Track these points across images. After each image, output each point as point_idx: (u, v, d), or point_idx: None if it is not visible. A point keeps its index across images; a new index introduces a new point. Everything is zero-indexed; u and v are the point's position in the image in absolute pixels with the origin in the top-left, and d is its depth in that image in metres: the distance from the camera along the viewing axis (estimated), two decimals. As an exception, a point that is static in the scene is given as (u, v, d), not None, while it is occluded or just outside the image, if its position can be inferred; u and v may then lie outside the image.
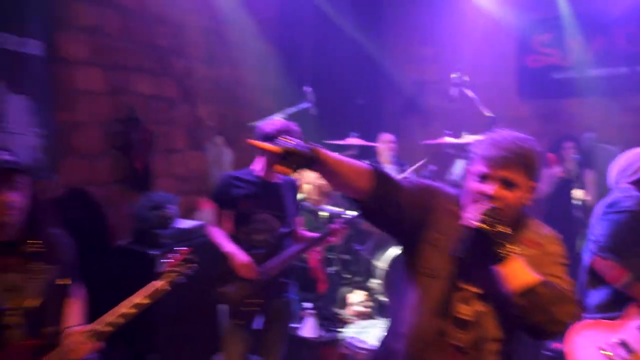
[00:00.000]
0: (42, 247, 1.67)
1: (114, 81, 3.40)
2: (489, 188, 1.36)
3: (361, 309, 3.13)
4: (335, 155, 1.36)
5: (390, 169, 4.21)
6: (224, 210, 2.49)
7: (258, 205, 2.43)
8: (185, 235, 3.14)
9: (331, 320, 3.12)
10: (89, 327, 1.65)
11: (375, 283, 3.28)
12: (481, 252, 1.29)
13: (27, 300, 1.60)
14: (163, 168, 3.78)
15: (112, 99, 3.38)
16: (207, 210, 3.83)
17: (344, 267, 3.48)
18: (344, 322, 3.08)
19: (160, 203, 3.12)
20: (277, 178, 2.50)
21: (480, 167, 1.39)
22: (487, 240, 1.27)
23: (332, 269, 3.43)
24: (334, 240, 2.62)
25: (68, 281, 1.75)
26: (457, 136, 3.92)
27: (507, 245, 1.27)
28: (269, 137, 2.39)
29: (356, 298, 3.19)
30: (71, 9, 3.09)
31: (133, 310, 1.68)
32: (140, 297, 1.71)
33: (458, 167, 4.09)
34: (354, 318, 3.09)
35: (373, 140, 4.47)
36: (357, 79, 5.28)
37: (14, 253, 1.62)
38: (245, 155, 4.38)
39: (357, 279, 3.50)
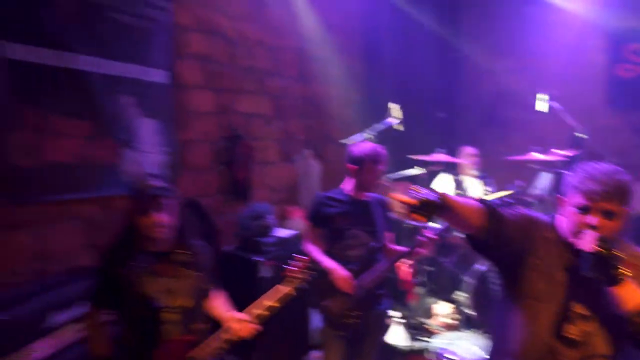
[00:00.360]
0: (189, 256, 2.00)
1: (221, 102, 3.79)
2: (593, 219, 1.49)
3: (448, 320, 3.24)
4: (457, 198, 1.55)
5: (472, 182, 4.28)
6: (317, 228, 2.66)
7: (350, 222, 2.59)
8: (283, 243, 3.44)
9: (418, 330, 3.26)
10: (246, 313, 1.94)
11: (462, 296, 3.38)
12: (591, 274, 1.42)
13: (180, 300, 1.93)
14: (258, 179, 4.12)
15: (219, 118, 3.77)
16: (297, 219, 4.14)
17: (428, 278, 3.61)
18: (430, 333, 3.22)
19: (261, 213, 3.45)
20: (366, 196, 2.66)
21: (581, 200, 1.52)
22: (601, 264, 1.40)
23: (416, 280, 3.58)
24: (424, 252, 2.73)
25: (211, 285, 2.07)
26: (542, 151, 3.93)
27: (622, 268, 1.40)
28: (358, 161, 2.59)
29: (442, 309, 3.30)
30: (187, 40, 3.51)
31: (266, 313, 1.96)
32: (270, 301, 1.98)
33: (543, 181, 4.08)
34: (441, 329, 3.21)
35: (452, 152, 4.55)
36: (436, 91, 5.37)
37: (167, 261, 1.96)
38: (332, 168, 4.67)
39: (442, 290, 3.61)
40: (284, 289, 2.01)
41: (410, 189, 1.50)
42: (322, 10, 4.55)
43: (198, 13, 3.59)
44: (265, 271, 3.21)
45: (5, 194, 2.46)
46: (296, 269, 2.06)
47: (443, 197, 1.49)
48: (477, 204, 1.59)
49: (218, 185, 3.77)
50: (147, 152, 3.17)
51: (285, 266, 2.08)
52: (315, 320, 2.78)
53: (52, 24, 2.63)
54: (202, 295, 2.01)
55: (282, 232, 3.53)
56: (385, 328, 2.81)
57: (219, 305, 2.07)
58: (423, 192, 1.47)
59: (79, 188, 2.80)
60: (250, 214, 3.45)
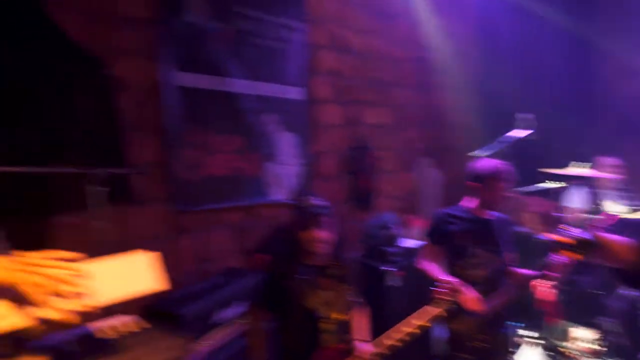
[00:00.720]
0: (343, 270, 2.16)
1: (348, 114, 3.96)
2: None
3: (592, 346, 3.08)
4: (608, 235, 1.54)
5: (612, 197, 3.98)
6: (436, 245, 2.59)
7: (472, 241, 2.51)
8: (409, 254, 3.51)
9: (556, 353, 3.14)
10: (373, 350, 2.07)
11: (606, 321, 3.15)
12: None
13: (336, 313, 2.09)
14: (380, 188, 4.23)
15: (346, 130, 3.94)
16: (416, 228, 4.18)
17: (565, 298, 3.44)
18: (569, 357, 3.08)
19: (388, 223, 3.55)
20: (489, 214, 2.58)
21: None
22: None
23: (557, 301, 3.42)
24: (556, 275, 2.59)
25: (359, 299, 2.22)
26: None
27: None
28: (480, 178, 2.50)
29: (582, 333, 3.13)
30: (320, 57, 3.71)
31: (416, 331, 2.06)
32: (420, 321, 2.07)
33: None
34: (583, 355, 3.06)
35: (587, 163, 4.24)
36: (568, 95, 5.05)
37: (325, 275, 2.13)
38: (452, 177, 4.63)
39: (580, 312, 3.42)
40: (433, 310, 2.08)
41: (561, 227, 1.52)
42: (442, 19, 4.52)
43: (330, 31, 3.78)
44: (393, 280, 3.31)
45: (174, 203, 2.83)
46: (445, 290, 2.11)
47: (596, 235, 1.51)
48: (630, 241, 1.58)
49: (344, 193, 3.94)
50: (286, 164, 3.43)
51: (433, 288, 2.15)
52: (437, 331, 2.79)
53: (213, 53, 2.97)
54: (351, 307, 2.16)
55: (408, 242, 3.61)
56: (511, 351, 2.74)
57: (359, 325, 2.19)
58: (576, 231, 1.50)
59: (229, 198, 3.13)
60: (377, 223, 3.57)
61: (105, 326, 1.54)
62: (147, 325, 1.38)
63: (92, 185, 1.37)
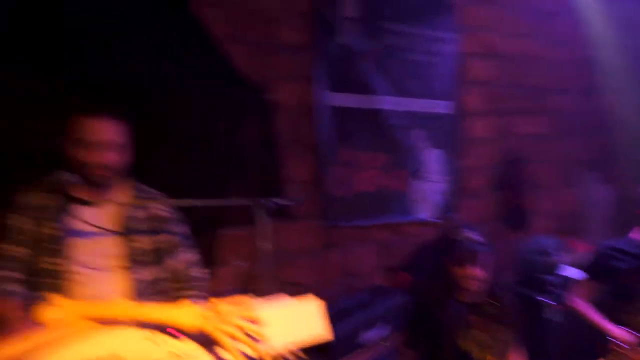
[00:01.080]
0: (498, 309, 2.00)
1: (499, 126, 3.68)
2: None
3: None
4: None
5: None
6: (596, 283, 2.35)
7: None
8: (571, 285, 3.13)
9: None
10: None
11: None
12: None
13: (489, 356, 1.95)
14: (535, 206, 3.85)
15: (497, 142, 3.67)
16: (581, 253, 3.71)
17: None
18: None
19: (548, 248, 3.20)
20: None
21: None
22: None
23: None
24: None
25: (514, 339, 2.04)
26: None
27: None
28: None
29: None
30: (469, 67, 3.50)
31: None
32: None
33: None
34: None
35: None
36: None
37: (478, 313, 2.00)
38: (623, 194, 4.02)
39: None
40: (612, 365, 1.83)
41: None
42: (613, 10, 3.92)
43: (481, 38, 3.56)
44: (553, 314, 2.99)
45: (323, 218, 2.92)
46: (626, 345, 1.84)
47: None
48: None
49: (494, 212, 3.68)
50: (432, 181, 3.31)
51: (610, 338, 1.89)
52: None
53: (362, 71, 2.99)
54: (508, 350, 1.99)
55: (570, 271, 3.22)
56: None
57: None
58: None
59: (376, 214, 3.12)
60: (535, 247, 3.25)
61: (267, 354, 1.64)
62: (304, 356, 1.43)
63: (258, 212, 1.47)
